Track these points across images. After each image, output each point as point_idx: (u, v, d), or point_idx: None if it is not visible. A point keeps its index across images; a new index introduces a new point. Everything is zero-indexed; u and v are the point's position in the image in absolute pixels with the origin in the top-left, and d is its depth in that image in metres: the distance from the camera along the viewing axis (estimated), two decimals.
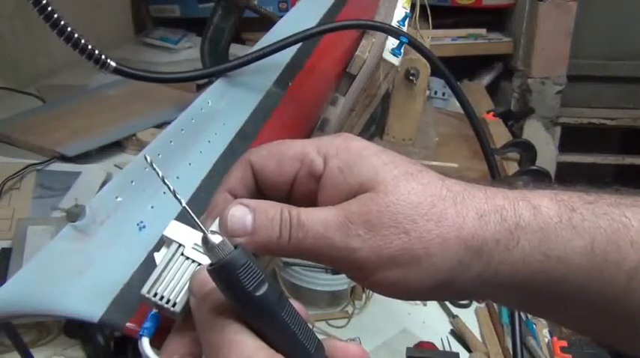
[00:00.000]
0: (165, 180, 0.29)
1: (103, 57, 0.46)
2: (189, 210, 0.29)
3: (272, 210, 0.32)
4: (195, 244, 0.32)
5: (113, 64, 0.47)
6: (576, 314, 0.33)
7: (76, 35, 0.44)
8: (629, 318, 0.31)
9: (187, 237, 0.33)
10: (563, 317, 0.34)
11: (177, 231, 0.33)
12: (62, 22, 0.43)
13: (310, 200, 0.34)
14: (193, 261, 0.32)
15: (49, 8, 0.42)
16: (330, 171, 0.33)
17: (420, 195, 0.32)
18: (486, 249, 0.31)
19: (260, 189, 0.35)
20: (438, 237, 0.31)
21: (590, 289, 0.31)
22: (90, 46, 0.45)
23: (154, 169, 0.29)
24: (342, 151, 0.34)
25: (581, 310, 0.32)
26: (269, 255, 0.33)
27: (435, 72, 1.07)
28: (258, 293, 0.27)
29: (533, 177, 1.13)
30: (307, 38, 0.55)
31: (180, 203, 0.29)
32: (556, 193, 0.33)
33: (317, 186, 0.34)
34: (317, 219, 0.32)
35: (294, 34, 0.54)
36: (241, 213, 0.32)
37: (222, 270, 0.27)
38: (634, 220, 0.31)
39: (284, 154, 0.35)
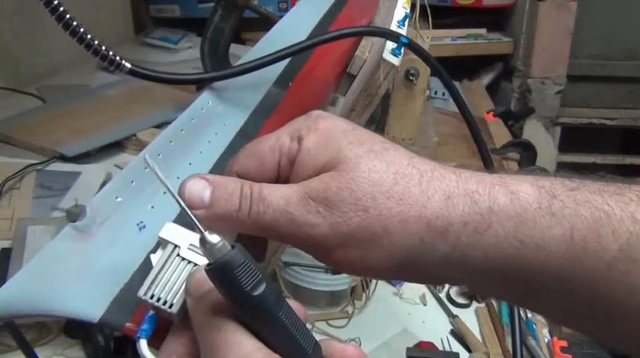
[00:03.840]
0: (164, 180, 0.29)
1: (118, 58, 0.46)
2: (188, 210, 0.29)
3: (232, 185, 0.32)
4: (191, 245, 0.32)
5: (128, 65, 0.47)
6: (556, 304, 0.32)
7: (88, 36, 0.44)
8: (609, 310, 0.30)
9: (183, 238, 0.33)
10: (544, 308, 0.33)
11: (173, 232, 0.33)
12: (74, 23, 0.43)
13: None
14: (189, 262, 0.32)
15: (61, 9, 0.42)
16: (302, 152, 0.33)
17: (383, 172, 0.31)
18: (452, 230, 0.31)
19: None
20: (398, 215, 0.31)
21: (569, 279, 0.30)
22: (104, 47, 0.45)
23: (154, 170, 0.29)
24: (312, 132, 0.34)
25: (560, 301, 0.31)
26: (229, 228, 0.33)
27: (436, 72, 1.07)
28: (255, 293, 0.27)
29: None
30: (304, 50, 0.55)
31: (179, 203, 0.29)
32: (537, 179, 0.32)
33: None
34: (278, 194, 0.32)
35: (296, 44, 0.54)
36: (200, 187, 0.32)
37: (219, 270, 0.27)
38: (616, 208, 0.30)
39: (261, 151, 0.35)
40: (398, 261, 0.31)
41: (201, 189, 0.32)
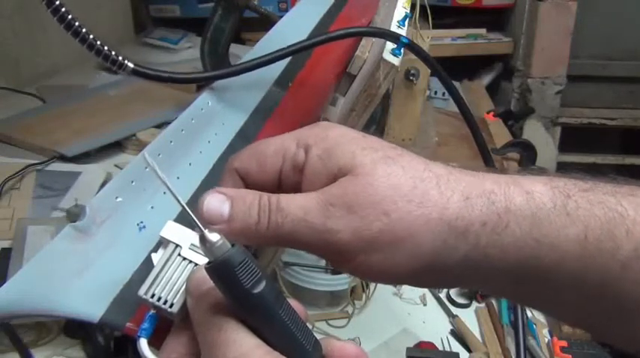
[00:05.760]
0: (164, 179, 0.29)
1: (120, 58, 0.46)
2: (188, 209, 0.29)
3: (250, 197, 0.32)
4: (192, 244, 0.32)
5: (131, 65, 0.47)
6: (568, 304, 0.32)
7: (91, 36, 0.44)
8: (622, 309, 0.30)
9: (184, 237, 0.33)
10: (555, 307, 0.34)
11: (174, 231, 0.33)
12: (76, 24, 0.43)
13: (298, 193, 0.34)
14: (190, 262, 0.32)
15: (63, 9, 0.42)
16: (311, 159, 0.33)
17: (400, 176, 0.31)
18: (472, 230, 0.31)
19: None
20: (420, 218, 0.31)
21: (583, 278, 0.30)
22: (106, 47, 0.45)
23: (154, 168, 0.29)
24: (321, 140, 0.34)
25: (573, 300, 0.32)
26: (249, 243, 0.33)
27: (435, 72, 1.07)
28: (255, 291, 0.27)
29: None
30: (304, 49, 0.55)
31: (179, 201, 0.29)
32: (550, 179, 0.32)
33: (302, 178, 0.34)
34: (296, 204, 0.32)
35: (295, 44, 0.54)
36: (218, 201, 0.32)
37: (220, 268, 0.27)
38: (630, 209, 0.30)
39: (264, 153, 0.35)
40: (421, 265, 0.31)
41: (219, 204, 0.32)
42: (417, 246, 0.31)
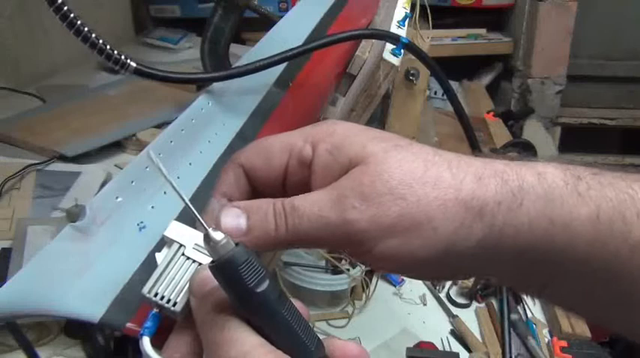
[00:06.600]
0: (168, 177, 0.29)
1: (123, 57, 0.46)
2: (191, 206, 0.29)
3: (264, 206, 0.32)
4: (196, 244, 0.32)
5: (133, 64, 0.47)
6: (576, 289, 0.32)
7: (93, 35, 0.44)
8: (628, 295, 0.30)
9: (188, 237, 0.33)
10: (562, 293, 0.33)
11: (178, 231, 0.33)
12: (79, 22, 0.43)
13: (305, 190, 0.34)
14: (194, 261, 0.32)
15: (65, 8, 0.42)
16: (320, 154, 0.33)
17: (412, 161, 0.32)
18: (487, 210, 0.31)
19: (254, 188, 0.35)
20: (437, 200, 0.31)
21: (592, 261, 0.30)
22: (108, 47, 0.45)
23: (158, 166, 0.29)
24: (329, 135, 0.34)
25: (581, 284, 0.31)
26: (271, 250, 0.33)
27: (432, 72, 1.07)
28: (259, 290, 0.27)
29: None
30: (303, 54, 0.55)
31: (183, 199, 0.29)
32: (560, 162, 0.32)
33: (309, 174, 0.34)
34: (311, 202, 0.32)
35: (294, 48, 0.54)
36: (233, 215, 0.32)
37: (223, 267, 0.27)
38: None
39: (271, 149, 0.35)
40: (438, 250, 0.31)
41: (235, 219, 0.32)
42: (434, 229, 0.31)
